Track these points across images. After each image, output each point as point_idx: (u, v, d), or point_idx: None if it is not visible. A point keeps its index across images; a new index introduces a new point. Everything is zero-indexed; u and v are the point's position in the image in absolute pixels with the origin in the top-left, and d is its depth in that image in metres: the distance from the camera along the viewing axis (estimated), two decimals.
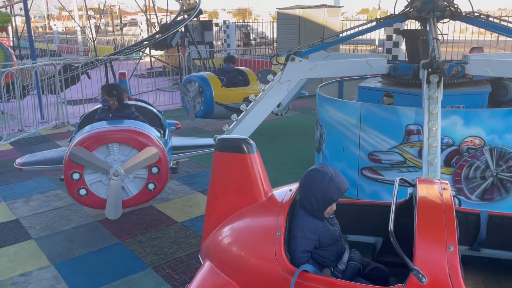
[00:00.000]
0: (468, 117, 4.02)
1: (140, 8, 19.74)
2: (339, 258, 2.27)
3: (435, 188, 2.23)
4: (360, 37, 6.03)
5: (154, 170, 4.18)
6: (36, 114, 8.72)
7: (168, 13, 17.38)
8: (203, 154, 5.52)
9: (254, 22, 23.04)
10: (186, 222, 4.66)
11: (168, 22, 14.54)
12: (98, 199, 4.18)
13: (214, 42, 17.33)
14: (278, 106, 6.38)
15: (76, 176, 4.07)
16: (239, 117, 4.48)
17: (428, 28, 4.61)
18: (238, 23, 19.84)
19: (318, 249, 2.24)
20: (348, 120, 4.56)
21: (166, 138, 4.84)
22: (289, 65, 4.30)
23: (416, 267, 1.83)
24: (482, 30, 7.89)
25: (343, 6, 14.17)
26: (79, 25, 25.94)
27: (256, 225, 2.39)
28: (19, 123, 8.13)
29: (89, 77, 11.29)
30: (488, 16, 4.65)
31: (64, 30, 36.33)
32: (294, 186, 2.45)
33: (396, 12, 4.96)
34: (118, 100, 4.66)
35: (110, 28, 34.90)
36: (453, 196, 2.18)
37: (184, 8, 14.33)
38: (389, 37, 11.93)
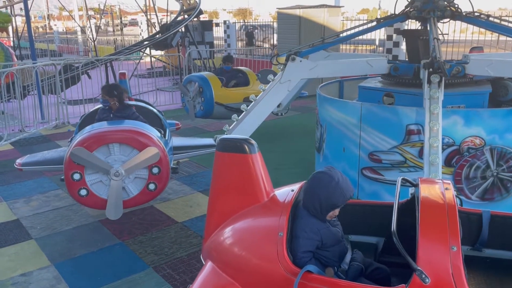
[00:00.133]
0: (468, 117, 4.02)
1: (141, 8, 19.74)
2: (341, 258, 2.27)
3: (437, 188, 2.23)
4: (360, 37, 6.03)
5: (155, 170, 4.18)
6: (37, 114, 8.72)
7: (169, 13, 17.37)
8: (204, 154, 5.52)
9: (255, 22, 23.02)
10: (186, 222, 4.67)
11: (168, 22, 14.54)
12: (98, 199, 4.18)
13: (217, 42, 17.35)
14: (278, 106, 6.38)
15: (76, 176, 4.07)
16: (239, 117, 4.48)
17: (428, 28, 4.61)
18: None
19: (321, 250, 2.23)
20: (348, 120, 4.56)
21: (166, 138, 4.84)
22: (290, 65, 4.30)
23: (419, 268, 1.83)
24: (482, 30, 7.89)
25: (343, 6, 14.17)
26: (79, 25, 25.95)
27: (258, 225, 2.38)
28: (19, 123, 8.13)
29: (89, 77, 11.29)
30: (488, 16, 4.65)
31: (65, 30, 36.34)
32: (296, 187, 2.45)
33: (397, 12, 4.96)
34: (118, 101, 4.66)
35: (110, 28, 34.89)
36: (455, 196, 2.18)
37: (185, 8, 14.33)
38: (389, 37, 11.93)
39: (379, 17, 5.88)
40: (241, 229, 2.39)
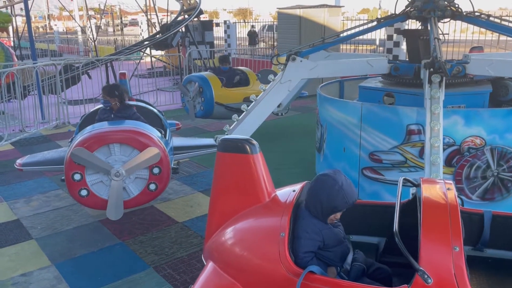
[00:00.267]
0: (469, 117, 4.02)
1: (141, 8, 19.75)
2: (343, 259, 2.26)
3: (439, 188, 2.22)
4: (360, 37, 6.03)
5: (156, 170, 4.18)
6: (37, 114, 8.72)
7: (169, 13, 17.38)
8: (204, 154, 5.52)
9: (255, 22, 23.02)
10: (187, 222, 4.67)
11: (168, 22, 14.54)
12: (99, 199, 4.17)
13: (217, 42, 17.34)
14: (278, 106, 6.38)
15: (77, 176, 4.07)
16: (240, 117, 4.48)
17: (429, 28, 4.61)
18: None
19: (323, 250, 2.23)
20: (348, 120, 4.55)
21: (167, 138, 4.84)
22: (290, 65, 4.29)
23: (421, 268, 1.82)
24: (482, 29, 7.89)
25: (343, 6, 14.16)
26: (79, 25, 25.95)
27: (260, 225, 2.38)
28: (20, 123, 8.13)
29: (89, 77, 11.30)
30: (489, 15, 4.65)
31: (65, 30, 36.37)
32: (298, 187, 2.44)
33: (397, 12, 4.96)
34: (120, 101, 4.66)
35: (110, 28, 34.90)
36: (457, 196, 2.17)
37: (185, 8, 14.33)
38: (389, 37, 11.93)
39: (379, 17, 5.87)
40: (242, 229, 2.39)
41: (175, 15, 14.78)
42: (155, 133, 4.38)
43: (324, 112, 4.99)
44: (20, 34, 17.68)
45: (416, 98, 4.40)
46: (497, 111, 4.18)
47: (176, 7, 15.68)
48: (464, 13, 4.63)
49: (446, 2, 4.63)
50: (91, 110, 5.20)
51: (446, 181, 2.32)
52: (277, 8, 13.22)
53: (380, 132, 4.30)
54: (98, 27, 22.63)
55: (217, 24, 19.44)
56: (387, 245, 2.55)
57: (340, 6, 13.71)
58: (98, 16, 32.28)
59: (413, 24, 10.41)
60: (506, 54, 7.40)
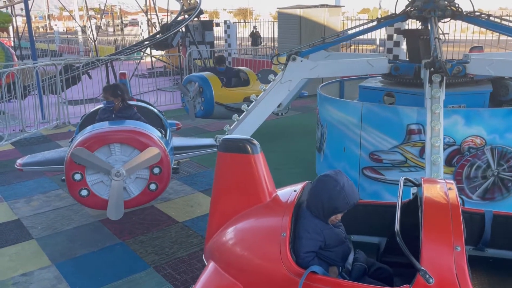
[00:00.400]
0: (469, 117, 4.02)
1: (141, 8, 19.77)
2: (345, 259, 2.26)
3: (440, 188, 2.22)
4: (361, 37, 6.03)
5: (156, 170, 4.18)
6: (37, 114, 8.72)
7: (169, 13, 17.38)
8: (204, 154, 5.52)
9: (255, 22, 23.02)
10: (187, 222, 4.67)
11: (168, 22, 14.54)
12: (99, 199, 4.18)
13: (217, 42, 17.34)
14: (278, 106, 6.38)
15: (77, 176, 4.07)
16: (240, 117, 4.48)
17: (429, 28, 4.61)
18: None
19: (324, 250, 2.22)
20: (349, 120, 4.55)
21: (167, 138, 4.84)
22: (290, 65, 4.29)
23: (423, 268, 1.82)
24: (483, 29, 7.89)
25: (343, 6, 14.17)
26: (79, 25, 25.96)
27: (261, 225, 2.38)
28: (20, 123, 8.14)
29: (90, 77, 11.30)
30: (489, 15, 4.65)
31: (65, 30, 36.38)
32: (299, 187, 2.44)
33: (397, 12, 4.96)
34: (122, 100, 4.67)
35: (110, 28, 34.90)
36: (458, 196, 2.17)
37: (185, 8, 14.33)
38: (390, 37, 11.93)
39: (379, 16, 5.87)
40: (243, 229, 2.38)
41: (175, 15, 14.78)
42: (155, 133, 4.38)
43: (324, 112, 4.99)
44: (20, 34, 17.69)
45: (416, 98, 4.40)
46: (497, 111, 4.18)
47: (176, 7, 15.69)
48: (464, 13, 4.63)
49: (446, 2, 4.63)
50: (92, 110, 5.21)
51: (447, 180, 2.32)
52: (277, 8, 13.22)
53: (380, 132, 4.30)
54: (98, 27, 22.62)
55: (217, 24, 19.44)
56: (388, 245, 2.55)
57: (340, 6, 13.71)
58: (98, 16, 32.29)
59: (413, 24, 10.41)
60: (506, 53, 7.40)
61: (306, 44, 4.99)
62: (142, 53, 14.49)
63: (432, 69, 3.84)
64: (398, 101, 4.74)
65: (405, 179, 2.42)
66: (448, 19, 4.75)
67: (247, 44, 20.18)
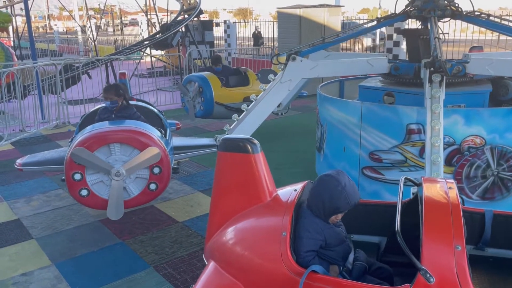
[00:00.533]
0: (469, 116, 4.02)
1: (141, 8, 19.75)
2: (345, 258, 2.26)
3: (441, 187, 2.22)
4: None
5: (156, 170, 4.17)
6: (37, 114, 8.73)
7: (169, 13, 17.38)
8: (204, 154, 5.52)
9: (255, 21, 23.01)
10: (187, 221, 4.67)
11: (168, 22, 14.54)
12: (99, 199, 4.17)
13: (217, 42, 17.34)
14: (278, 105, 6.38)
15: (77, 176, 4.06)
16: (240, 117, 4.48)
17: (429, 27, 4.61)
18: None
19: (325, 250, 2.22)
20: (349, 120, 4.55)
21: (167, 138, 4.84)
22: (290, 65, 4.30)
23: (423, 267, 1.82)
24: (482, 29, 7.89)
25: (343, 6, 14.19)
26: (79, 25, 25.95)
27: (261, 225, 2.38)
28: (20, 123, 8.13)
29: (89, 77, 11.30)
30: (488, 15, 4.65)
31: (65, 30, 36.36)
32: (299, 186, 2.44)
33: (397, 11, 4.96)
34: (124, 99, 4.67)
35: (110, 28, 34.90)
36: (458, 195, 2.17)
37: (185, 7, 14.33)
38: (389, 37, 11.93)
39: (379, 16, 5.87)
40: (244, 228, 2.38)
41: (175, 15, 14.78)
42: (155, 133, 4.38)
43: (324, 111, 5.00)
44: (20, 34, 17.68)
45: (416, 98, 4.40)
46: (497, 111, 4.18)
47: (176, 6, 15.68)
48: (464, 13, 4.64)
49: (446, 2, 4.64)
50: (91, 110, 5.20)
51: (448, 180, 2.32)
52: (277, 8, 13.22)
53: (380, 131, 4.31)
54: (98, 27, 22.62)
55: (217, 24, 19.44)
56: (388, 244, 2.55)
57: (340, 6, 13.71)
58: (98, 16, 32.29)
59: (413, 24, 10.41)
60: (506, 53, 7.40)
61: (306, 44, 4.99)
62: (142, 53, 14.49)
63: (432, 68, 3.84)
64: (398, 100, 4.74)
65: (406, 178, 2.42)
66: (448, 18, 4.76)
67: (247, 44, 20.18)
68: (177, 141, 5.50)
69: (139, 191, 4.26)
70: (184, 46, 14.27)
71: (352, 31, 5.44)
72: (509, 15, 11.95)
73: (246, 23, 22.86)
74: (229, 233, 2.41)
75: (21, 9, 26.65)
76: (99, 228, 4.56)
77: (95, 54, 16.20)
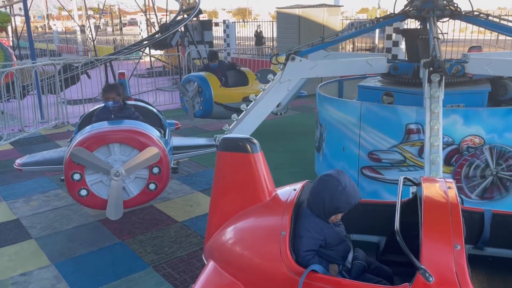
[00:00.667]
0: (468, 116, 4.03)
1: (140, 8, 19.74)
2: (345, 258, 2.26)
3: (440, 187, 2.22)
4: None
5: (155, 170, 4.18)
6: (36, 114, 8.72)
7: (168, 13, 17.38)
8: (203, 154, 5.52)
9: (254, 21, 23.02)
10: (186, 221, 4.67)
11: (167, 21, 14.53)
12: (99, 199, 4.17)
13: (216, 42, 17.33)
14: (277, 105, 6.38)
15: (76, 176, 4.06)
16: (239, 117, 4.48)
17: (428, 27, 4.62)
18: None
19: (325, 249, 2.23)
20: (348, 119, 4.56)
21: (166, 138, 4.84)
22: (289, 65, 4.30)
23: (423, 266, 1.82)
24: (481, 29, 7.90)
25: (342, 6, 14.20)
26: (78, 25, 25.93)
27: (261, 224, 2.38)
28: (19, 123, 8.13)
29: (89, 77, 11.29)
30: (487, 15, 4.65)
31: (64, 30, 36.32)
32: (298, 186, 2.44)
33: (396, 11, 4.97)
34: (123, 99, 4.67)
35: (109, 28, 34.88)
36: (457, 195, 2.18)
37: (184, 7, 14.33)
38: (388, 36, 11.95)
39: (378, 16, 5.88)
40: (243, 228, 2.39)
41: (174, 15, 14.78)
42: (154, 133, 4.38)
43: (324, 111, 5.00)
44: (19, 34, 17.66)
45: (415, 97, 4.41)
46: (496, 110, 4.19)
47: (175, 6, 15.69)
48: (463, 13, 4.64)
49: (445, 2, 4.64)
50: (91, 110, 5.19)
51: (447, 179, 2.33)
52: (276, 8, 13.21)
53: (379, 131, 4.31)
54: (97, 27, 22.62)
55: (216, 24, 19.43)
56: (388, 244, 2.55)
57: (339, 6, 13.73)
58: (97, 15, 32.27)
59: (412, 24, 10.41)
60: (505, 53, 7.41)
61: (305, 44, 4.99)
62: (141, 53, 14.48)
63: (431, 68, 3.84)
64: (397, 100, 4.75)
65: (405, 178, 2.42)
66: (447, 18, 4.76)
67: (247, 43, 20.18)
68: (177, 141, 5.50)
69: (138, 191, 4.26)
70: (183, 46, 14.27)
71: (352, 31, 5.45)
72: (508, 15, 11.97)
73: (245, 23, 22.85)
74: (229, 233, 2.41)
75: (20, 9, 26.59)
76: (99, 228, 4.56)
77: (94, 54, 16.20)
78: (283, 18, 12.51)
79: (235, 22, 20.33)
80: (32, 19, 37.77)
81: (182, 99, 8.03)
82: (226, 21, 18.16)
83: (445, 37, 4.96)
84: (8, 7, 16.61)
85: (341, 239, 2.28)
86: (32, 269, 3.82)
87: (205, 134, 8.00)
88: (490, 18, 4.62)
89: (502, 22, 4.78)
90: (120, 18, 31.93)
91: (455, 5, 4.66)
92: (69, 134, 6.90)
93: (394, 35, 11.69)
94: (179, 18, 14.14)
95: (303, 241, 2.18)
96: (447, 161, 4.08)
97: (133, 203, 4.32)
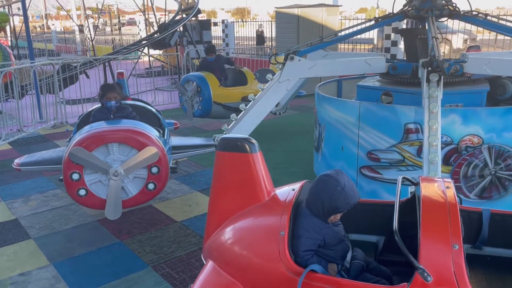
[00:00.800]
0: (466, 116, 4.04)
1: (139, 8, 19.70)
2: (344, 257, 2.26)
3: (438, 186, 2.23)
4: (358, 36, 6.03)
5: (154, 170, 4.17)
6: (35, 114, 8.71)
7: (167, 13, 17.36)
8: (202, 154, 5.52)
9: (253, 21, 23.02)
10: (185, 221, 4.67)
11: (166, 21, 14.53)
12: (97, 199, 4.17)
13: (215, 41, 17.31)
14: (276, 105, 6.38)
15: (75, 176, 4.06)
16: (238, 117, 4.48)
17: (427, 27, 4.62)
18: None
19: (324, 249, 2.23)
20: (347, 119, 4.56)
21: (165, 137, 4.84)
22: (288, 64, 4.30)
23: (421, 266, 1.83)
24: (480, 28, 7.91)
25: (341, 5, 14.20)
26: (77, 25, 25.89)
27: (260, 224, 2.38)
28: (17, 123, 8.12)
29: (87, 76, 11.28)
30: (486, 15, 4.66)
31: (62, 30, 36.30)
32: (297, 186, 2.44)
33: (395, 11, 4.97)
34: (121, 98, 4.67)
35: (108, 28, 34.85)
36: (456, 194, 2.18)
37: (183, 7, 14.31)
38: (387, 36, 11.95)
39: (377, 16, 5.88)
40: (242, 228, 2.39)
41: (173, 15, 14.77)
42: (153, 133, 4.38)
43: (322, 111, 5.00)
44: (17, 34, 17.64)
45: (414, 97, 4.41)
46: (495, 110, 4.19)
47: (174, 6, 15.68)
48: (462, 12, 4.65)
49: (443, 1, 4.65)
50: (89, 109, 5.19)
51: (445, 179, 2.33)
52: (275, 8, 13.21)
53: (378, 131, 4.31)
54: (95, 27, 22.58)
55: (215, 24, 19.41)
56: (386, 243, 2.55)
57: (338, 6, 13.72)
58: (96, 15, 32.25)
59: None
60: (503, 53, 7.42)
61: (304, 44, 5.00)
62: (140, 53, 14.47)
63: (429, 68, 3.84)
64: (395, 100, 4.75)
65: (403, 177, 2.43)
66: (446, 18, 4.77)
67: (246, 43, 20.17)
68: (175, 140, 5.50)
69: (137, 190, 4.26)
70: (182, 46, 14.25)
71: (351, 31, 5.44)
72: (507, 15, 11.97)
73: (244, 23, 22.84)
74: (228, 233, 2.41)
75: (19, 8, 26.52)
76: (97, 228, 4.55)
77: (93, 53, 16.16)
78: (282, 18, 12.51)
79: (234, 22, 20.31)
80: (30, 18, 37.72)
81: (181, 99, 8.03)
82: (225, 21, 18.14)
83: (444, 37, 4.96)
84: (6, 7, 16.58)
85: (340, 239, 2.28)
86: (31, 269, 3.82)
87: (204, 134, 8.00)
88: (488, 18, 4.63)
89: (500, 21, 4.78)
90: (119, 17, 31.89)
91: (454, 4, 4.66)
92: (68, 134, 6.88)
93: (392, 35, 11.69)
94: (177, 17, 14.12)
95: (302, 241, 2.18)
96: (445, 161, 4.09)
97: (132, 203, 4.32)
